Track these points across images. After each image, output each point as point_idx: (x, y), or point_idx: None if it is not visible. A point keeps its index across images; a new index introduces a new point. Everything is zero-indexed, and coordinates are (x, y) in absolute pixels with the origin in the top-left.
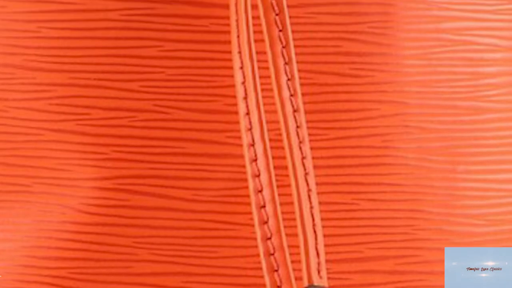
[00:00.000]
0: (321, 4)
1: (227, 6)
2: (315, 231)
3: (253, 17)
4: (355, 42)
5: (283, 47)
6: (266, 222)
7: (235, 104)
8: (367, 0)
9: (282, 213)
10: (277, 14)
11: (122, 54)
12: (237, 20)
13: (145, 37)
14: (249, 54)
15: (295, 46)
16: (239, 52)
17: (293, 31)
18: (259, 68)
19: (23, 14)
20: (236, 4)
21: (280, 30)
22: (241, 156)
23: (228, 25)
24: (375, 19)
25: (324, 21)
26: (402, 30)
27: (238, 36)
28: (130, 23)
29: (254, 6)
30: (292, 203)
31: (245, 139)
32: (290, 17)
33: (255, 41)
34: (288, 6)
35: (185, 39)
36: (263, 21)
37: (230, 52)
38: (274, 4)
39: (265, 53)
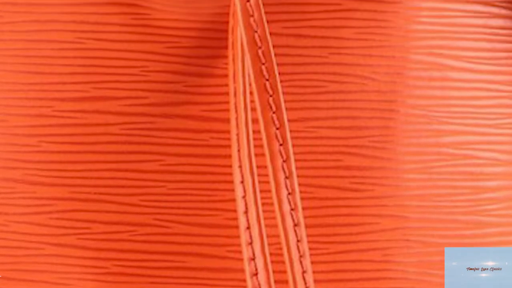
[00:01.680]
0: (322, 118)
1: (227, 120)
2: None
3: (253, 131)
4: (356, 156)
5: (283, 161)
6: None
7: (236, 218)
8: (367, 114)
9: None
10: (277, 128)
11: (123, 168)
12: (237, 134)
13: (146, 151)
14: (250, 168)
15: (296, 160)
16: (240, 166)
17: (293, 145)
18: (259, 182)
19: (23, 128)
20: (236, 118)
21: (281, 144)
22: (242, 270)
23: (229, 139)
24: (375, 133)
25: (324, 135)
26: (402, 144)
27: (238, 150)
28: (131, 137)
29: (255, 120)
30: None
31: (246, 254)
32: (290, 131)
33: (256, 155)
34: (289, 120)
35: (186, 153)
36: (263, 135)
37: (230, 166)
38: (275, 118)
39: (265, 167)
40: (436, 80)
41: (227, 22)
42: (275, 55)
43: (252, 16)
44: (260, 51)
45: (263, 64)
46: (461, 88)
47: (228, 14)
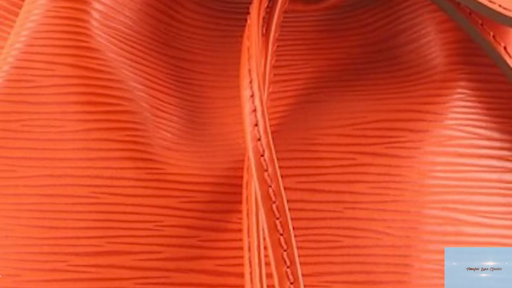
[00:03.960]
0: (336, 273)
1: (242, 275)
2: None
3: (268, 286)
4: None
5: None
6: None
7: None
8: (382, 269)
9: None
10: (291, 283)
11: None
12: (250, 273)
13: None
14: None
15: None
16: None
17: None
18: None
19: (37, 283)
20: (251, 273)
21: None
22: None
23: None
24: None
25: None
26: None
27: None
28: None
29: (269, 275)
30: None
31: None
32: (305, 285)
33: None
34: (303, 275)
35: None
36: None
37: None
38: (289, 273)
39: None
40: (451, 235)
41: (241, 177)
42: (290, 209)
43: (267, 170)
44: (274, 206)
45: (277, 218)
46: (476, 242)
47: (242, 168)
